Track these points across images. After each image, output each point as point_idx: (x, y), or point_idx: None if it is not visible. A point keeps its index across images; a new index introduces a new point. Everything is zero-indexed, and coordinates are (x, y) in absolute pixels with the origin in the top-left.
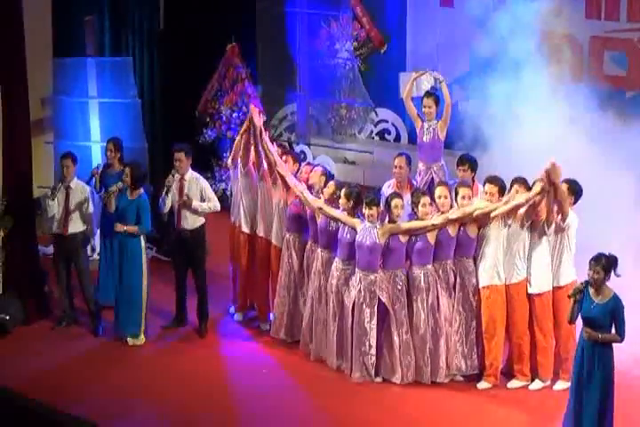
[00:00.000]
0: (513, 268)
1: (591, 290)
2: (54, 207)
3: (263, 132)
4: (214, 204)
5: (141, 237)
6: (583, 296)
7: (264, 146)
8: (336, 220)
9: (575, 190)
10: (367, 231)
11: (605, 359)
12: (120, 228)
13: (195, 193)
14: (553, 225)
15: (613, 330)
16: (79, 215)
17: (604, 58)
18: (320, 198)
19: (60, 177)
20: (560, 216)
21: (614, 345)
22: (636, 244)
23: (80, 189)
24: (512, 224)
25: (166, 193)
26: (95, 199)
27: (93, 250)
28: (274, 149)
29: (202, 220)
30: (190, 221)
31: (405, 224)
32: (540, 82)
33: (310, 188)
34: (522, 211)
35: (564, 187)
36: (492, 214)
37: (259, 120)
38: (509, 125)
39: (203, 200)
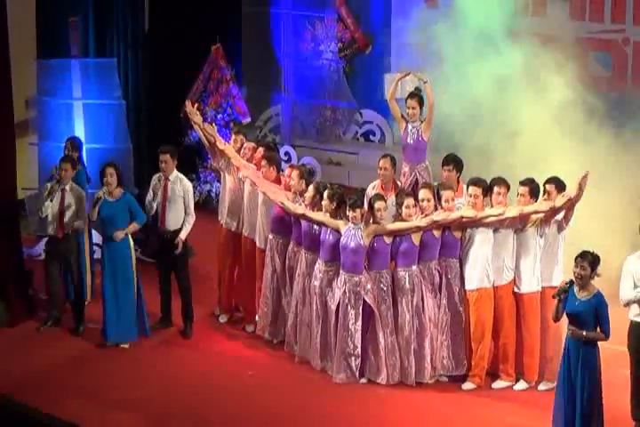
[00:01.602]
0: (501, 269)
1: (575, 287)
2: (49, 208)
3: (207, 132)
4: (191, 217)
5: (130, 240)
6: (567, 295)
7: (221, 148)
8: (320, 224)
9: (561, 188)
10: (351, 233)
11: (591, 358)
12: (121, 235)
13: (177, 193)
14: (552, 226)
15: (598, 329)
16: (73, 217)
17: (588, 59)
18: (302, 203)
19: (53, 178)
20: (564, 217)
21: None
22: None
23: (75, 192)
24: (501, 227)
25: (153, 198)
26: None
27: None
28: (231, 151)
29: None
30: (173, 223)
31: (390, 225)
32: (525, 83)
33: (296, 193)
34: (511, 214)
35: (551, 187)
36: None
37: (199, 120)
38: (493, 127)
39: (183, 203)
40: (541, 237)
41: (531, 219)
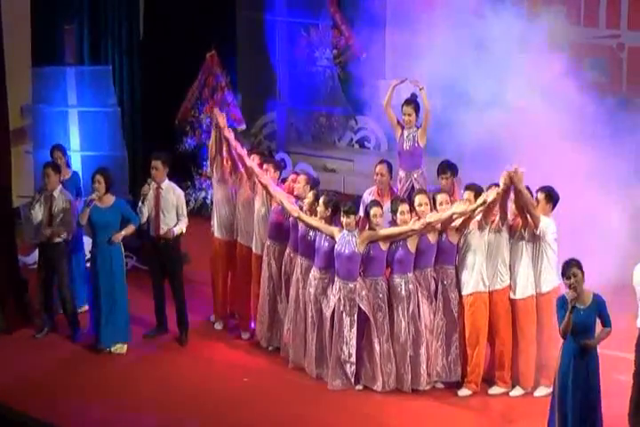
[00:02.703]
0: (496, 274)
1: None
2: (38, 215)
3: (230, 138)
4: (184, 221)
5: (121, 246)
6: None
7: (238, 153)
8: (314, 228)
9: (552, 198)
10: (346, 240)
11: (592, 364)
12: (119, 236)
13: (171, 202)
14: (528, 231)
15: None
16: (62, 223)
17: (583, 64)
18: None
19: (40, 186)
20: (532, 221)
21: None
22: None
23: (63, 197)
24: (491, 231)
25: (142, 202)
26: (78, 208)
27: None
28: (245, 154)
29: None
30: (167, 230)
31: (384, 231)
32: (522, 88)
33: (297, 197)
34: (491, 198)
35: (541, 196)
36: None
37: (224, 123)
38: (491, 132)
39: (176, 210)
40: (528, 243)
41: (517, 225)
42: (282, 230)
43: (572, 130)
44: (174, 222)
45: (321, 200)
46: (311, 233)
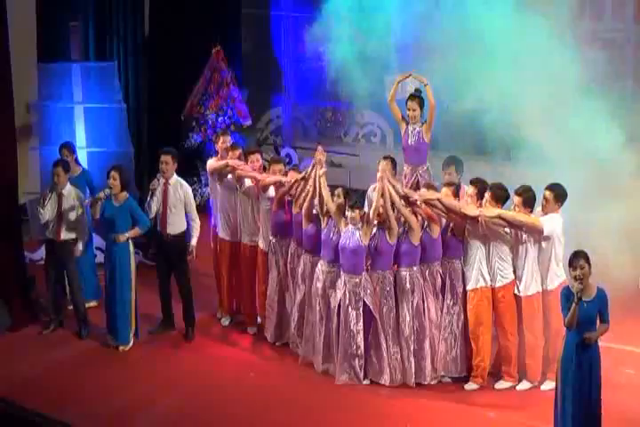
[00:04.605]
0: (498, 271)
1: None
2: (46, 214)
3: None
4: (196, 222)
5: (129, 244)
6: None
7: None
8: (321, 204)
9: (560, 195)
10: (350, 234)
11: (594, 356)
12: (123, 238)
13: (178, 198)
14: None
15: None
16: (72, 221)
17: (589, 58)
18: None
19: (49, 184)
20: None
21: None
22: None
23: (72, 195)
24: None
25: (151, 197)
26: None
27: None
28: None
29: (185, 225)
30: (174, 227)
31: (372, 212)
32: (529, 83)
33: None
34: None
35: (549, 194)
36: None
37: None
38: (497, 127)
39: (185, 206)
40: (530, 242)
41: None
42: (285, 227)
43: (574, 127)
44: (181, 219)
45: (339, 190)
46: (325, 230)
